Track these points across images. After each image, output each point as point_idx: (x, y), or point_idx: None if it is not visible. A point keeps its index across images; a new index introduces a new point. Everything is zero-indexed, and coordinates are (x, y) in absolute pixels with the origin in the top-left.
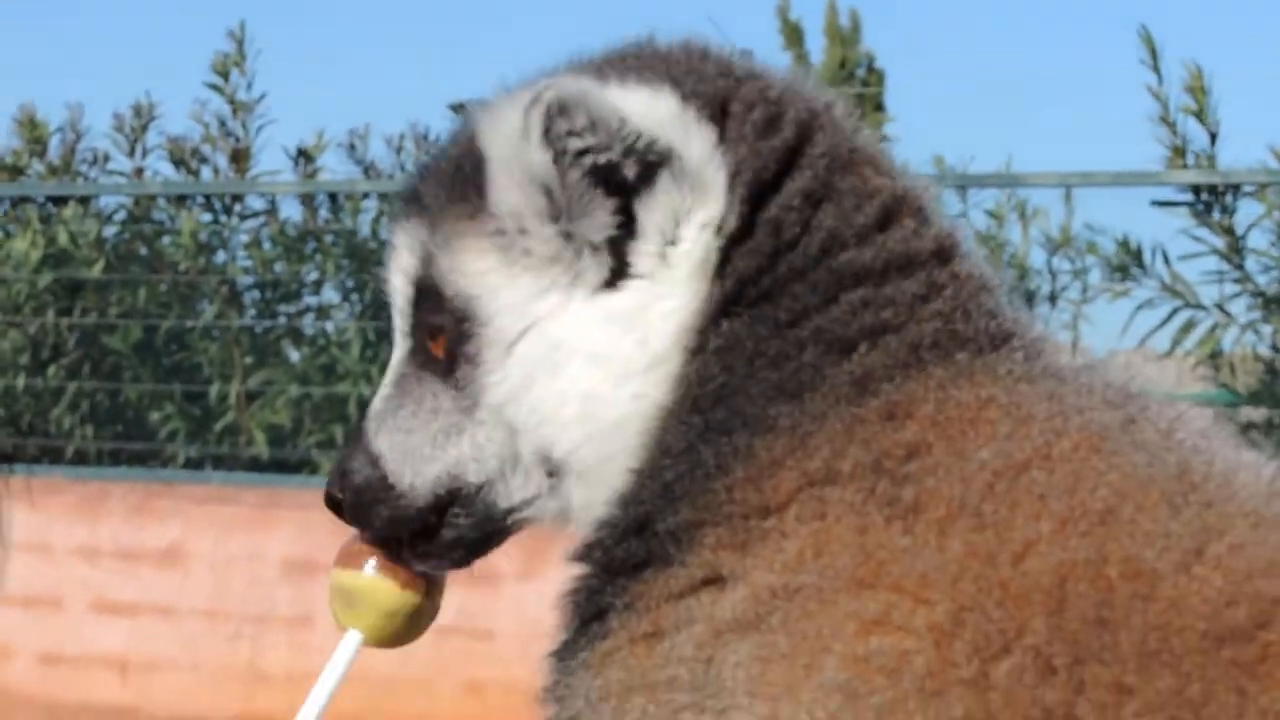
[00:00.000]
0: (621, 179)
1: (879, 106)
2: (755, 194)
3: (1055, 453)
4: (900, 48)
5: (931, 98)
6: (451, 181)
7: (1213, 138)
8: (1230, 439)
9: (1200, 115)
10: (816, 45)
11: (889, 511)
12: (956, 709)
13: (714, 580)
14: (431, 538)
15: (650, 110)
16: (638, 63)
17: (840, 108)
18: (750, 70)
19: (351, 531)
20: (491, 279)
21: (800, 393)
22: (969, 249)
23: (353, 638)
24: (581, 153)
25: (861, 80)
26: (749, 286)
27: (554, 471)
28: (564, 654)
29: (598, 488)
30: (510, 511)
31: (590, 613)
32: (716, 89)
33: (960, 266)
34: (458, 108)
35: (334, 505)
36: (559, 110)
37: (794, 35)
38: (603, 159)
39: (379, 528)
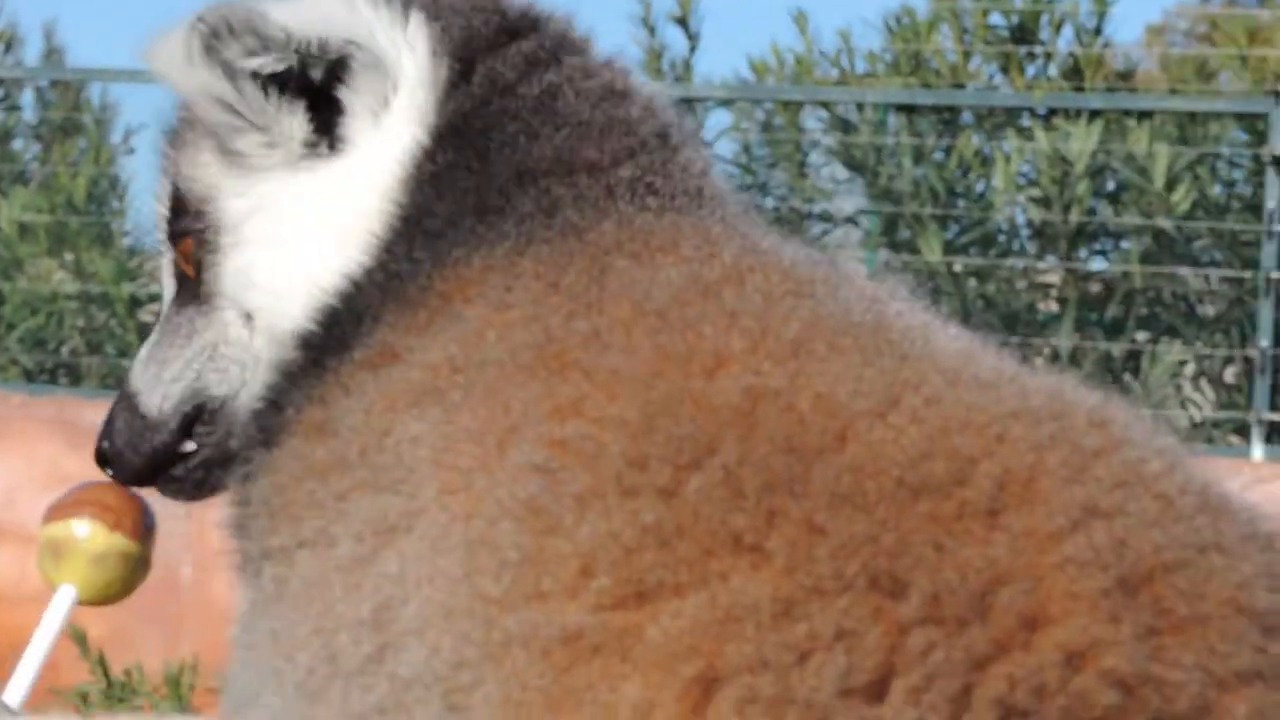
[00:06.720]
0: (308, 81)
1: None
2: (468, 54)
3: (748, 281)
4: None
5: None
6: (180, 100)
7: (692, 47)
8: (929, 309)
9: (684, 20)
10: None
11: (571, 305)
12: (649, 515)
13: (387, 358)
14: (184, 461)
15: (315, 11)
16: None
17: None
18: None
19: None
20: (215, 171)
21: (486, 212)
22: (702, 155)
23: (64, 594)
24: (251, 69)
25: None
26: (463, 124)
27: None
28: (244, 472)
29: None
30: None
31: (268, 419)
32: None
33: (680, 155)
34: None
35: (102, 460)
36: (224, 31)
37: None
38: (280, 68)
39: (139, 465)
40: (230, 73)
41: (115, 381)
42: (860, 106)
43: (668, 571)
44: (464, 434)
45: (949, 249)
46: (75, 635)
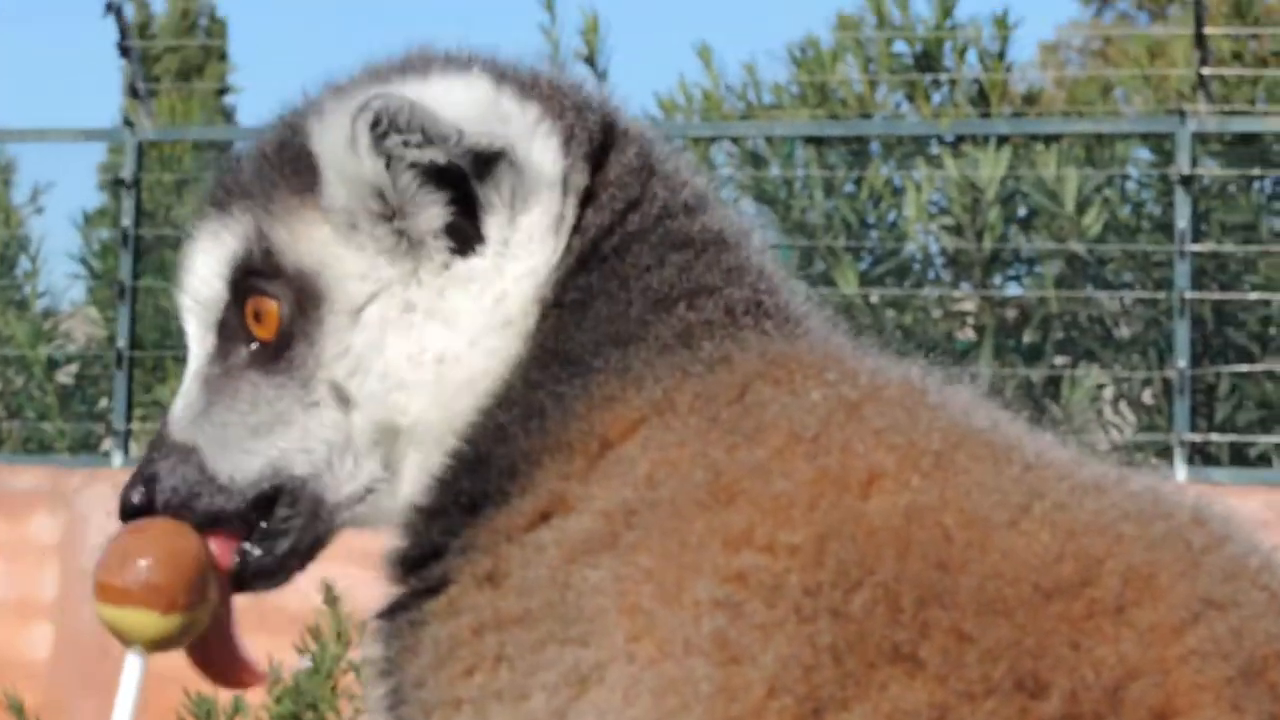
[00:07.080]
0: (457, 173)
1: (222, 56)
2: (592, 156)
3: (885, 395)
4: None
5: (276, 46)
6: (282, 163)
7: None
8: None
9: (591, 59)
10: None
11: (732, 439)
12: (825, 636)
13: (559, 508)
14: (263, 541)
15: (474, 107)
16: (444, 57)
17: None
18: (528, 65)
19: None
20: (334, 249)
21: (628, 342)
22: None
23: (133, 664)
24: (412, 159)
25: (205, 30)
26: (602, 242)
27: (393, 447)
28: (398, 614)
29: (435, 454)
30: (337, 508)
31: (426, 562)
32: (522, 72)
33: (755, 253)
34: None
35: (136, 514)
36: (389, 120)
37: None
38: (441, 160)
39: (199, 520)
40: (391, 162)
41: (36, 446)
42: (769, 140)
43: (838, 686)
44: (642, 575)
45: (864, 280)
46: (12, 705)
